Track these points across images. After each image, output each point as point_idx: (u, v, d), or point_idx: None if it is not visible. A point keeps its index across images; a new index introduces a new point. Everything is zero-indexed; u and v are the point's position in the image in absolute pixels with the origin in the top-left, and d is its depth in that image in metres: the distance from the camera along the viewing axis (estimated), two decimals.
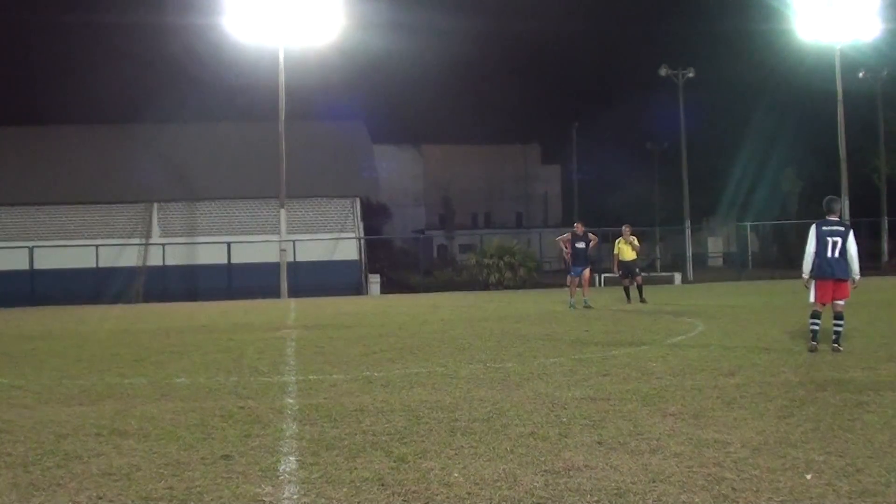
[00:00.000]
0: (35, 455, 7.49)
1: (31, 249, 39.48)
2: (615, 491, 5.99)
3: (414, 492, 6.11)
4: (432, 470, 6.63)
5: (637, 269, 26.69)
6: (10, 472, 6.95)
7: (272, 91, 39.08)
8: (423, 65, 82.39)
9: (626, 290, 26.52)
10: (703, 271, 54.19)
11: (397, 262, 51.05)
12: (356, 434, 7.93)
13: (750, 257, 54.82)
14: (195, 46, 50.32)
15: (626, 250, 26.43)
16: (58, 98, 58.31)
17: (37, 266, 39.31)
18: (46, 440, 8.08)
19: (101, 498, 6.19)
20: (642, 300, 25.72)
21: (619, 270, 26.96)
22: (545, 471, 6.52)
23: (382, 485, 6.28)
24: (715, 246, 70.61)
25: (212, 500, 6.10)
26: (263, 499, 6.10)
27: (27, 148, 42.63)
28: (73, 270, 38.83)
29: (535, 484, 6.20)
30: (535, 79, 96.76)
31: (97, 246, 39.63)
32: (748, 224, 55.68)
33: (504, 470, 6.57)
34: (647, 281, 35.95)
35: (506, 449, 7.22)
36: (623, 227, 27.03)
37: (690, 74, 52.63)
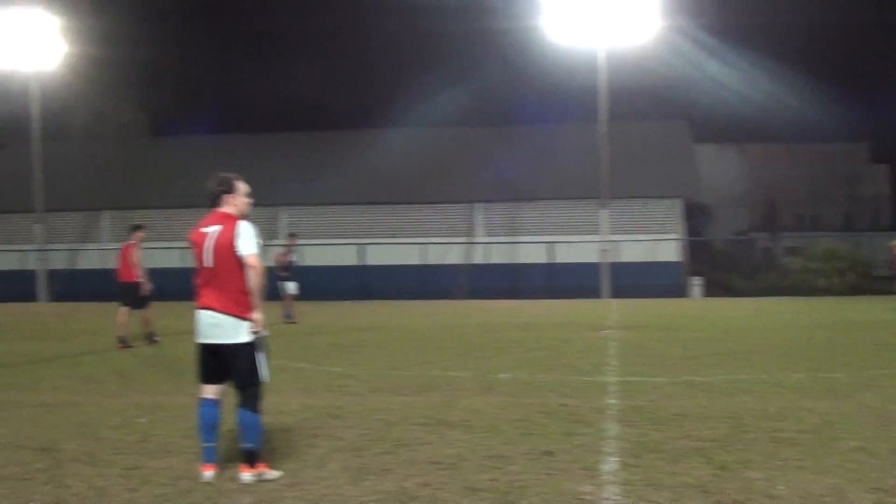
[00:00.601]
0: (365, 441, 7.88)
1: (362, 246, 41.46)
2: None
3: (737, 501, 5.98)
4: (756, 480, 6.46)
5: None
6: (342, 456, 7.35)
7: (592, 92, 39.14)
8: (744, 62, 79.94)
9: None
10: None
11: (719, 264, 49.67)
12: (678, 438, 7.84)
13: None
14: (515, 49, 51.14)
15: None
16: (387, 102, 60.87)
17: (367, 262, 41.23)
18: (376, 427, 8.48)
19: (427, 485, 6.43)
20: None
21: None
22: (875, 489, 6.22)
23: (704, 492, 6.18)
24: None
25: (534, 494, 6.20)
26: (584, 497, 6.14)
27: (360, 150, 44.72)
28: (401, 267, 40.42)
29: (864, 502, 5.92)
30: (863, 74, 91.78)
31: (424, 244, 41.07)
32: None
33: (831, 485, 6.31)
34: None
35: (834, 463, 6.93)
36: None
37: None
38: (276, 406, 9.15)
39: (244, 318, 6.76)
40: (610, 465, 6.93)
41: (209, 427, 6.80)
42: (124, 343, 16.66)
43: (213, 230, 6.91)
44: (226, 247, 6.81)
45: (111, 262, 43.53)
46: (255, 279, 6.80)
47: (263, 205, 40.29)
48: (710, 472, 6.68)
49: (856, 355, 14.19)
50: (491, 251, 41.06)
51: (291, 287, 23.64)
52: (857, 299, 34.45)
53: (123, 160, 47.75)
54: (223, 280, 6.80)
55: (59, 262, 42.76)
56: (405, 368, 12.91)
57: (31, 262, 41.71)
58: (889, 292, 29.62)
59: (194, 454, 7.47)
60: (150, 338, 17.32)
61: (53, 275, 41.72)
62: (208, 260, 6.85)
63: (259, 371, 6.82)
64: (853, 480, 6.42)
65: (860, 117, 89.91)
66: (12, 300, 38.65)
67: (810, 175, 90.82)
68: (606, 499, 6.09)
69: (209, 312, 6.81)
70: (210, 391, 6.90)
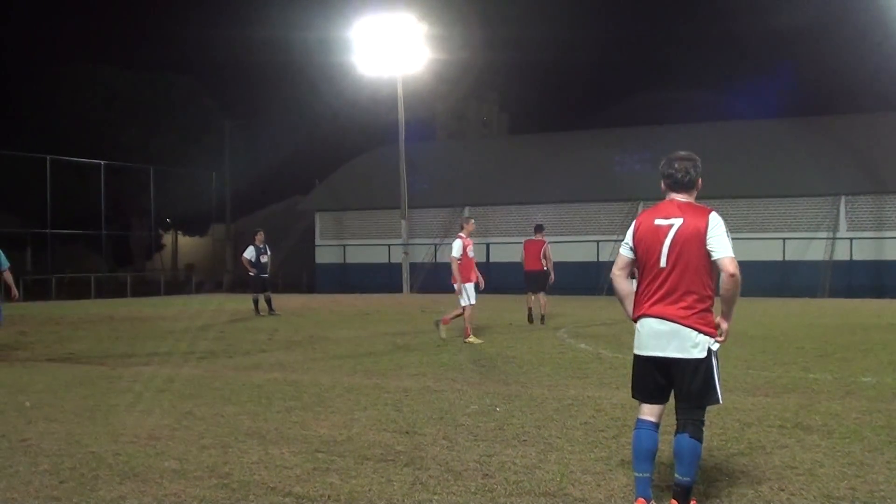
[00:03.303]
0: (720, 441, 7.79)
1: None
2: None
3: None
4: None
5: None
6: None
7: None
8: None
9: None
10: None
11: None
12: None
13: None
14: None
15: None
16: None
17: None
18: (731, 427, 8.34)
19: (782, 490, 6.28)
20: None
21: None
22: None
23: None
24: None
25: None
26: None
27: (720, 142, 43.86)
28: (759, 263, 39.28)
29: None
30: None
31: (784, 239, 39.76)
32: None
33: None
34: None
35: None
36: None
37: None
38: (621, 399, 9.20)
39: (704, 330, 5.72)
40: None
41: (646, 455, 5.81)
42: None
43: (673, 223, 5.82)
44: (691, 242, 5.73)
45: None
46: (731, 287, 5.69)
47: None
48: None
49: None
50: (855, 247, 39.10)
51: None
52: None
53: (482, 158, 49.43)
54: (682, 283, 5.75)
55: (421, 256, 44.94)
56: (762, 368, 12.60)
57: (397, 256, 44.16)
58: None
59: (548, 444, 7.69)
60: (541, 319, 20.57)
61: (416, 268, 43.93)
62: (664, 258, 5.81)
63: (716, 392, 5.81)
64: None
65: None
66: (380, 291, 41.11)
67: None
68: None
69: (660, 321, 5.78)
70: (649, 412, 5.93)
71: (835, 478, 6.55)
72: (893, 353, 14.58)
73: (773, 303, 30.48)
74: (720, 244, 5.70)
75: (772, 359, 13.76)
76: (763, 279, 37.45)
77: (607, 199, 42.93)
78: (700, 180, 6.02)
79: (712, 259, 5.71)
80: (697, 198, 6.03)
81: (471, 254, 16.97)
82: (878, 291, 36.36)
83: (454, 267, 16.82)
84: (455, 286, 16.93)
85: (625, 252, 6.08)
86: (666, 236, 5.80)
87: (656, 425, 5.89)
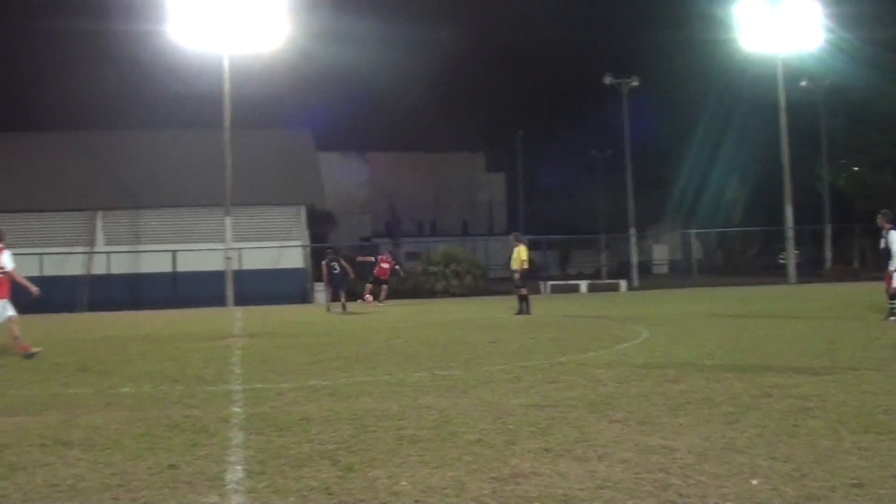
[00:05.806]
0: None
1: None
2: (562, 497, 6.01)
3: (361, 501, 6.10)
4: (379, 479, 6.62)
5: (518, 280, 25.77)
6: None
7: (217, 98, 38.90)
8: (369, 72, 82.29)
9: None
10: (649, 278, 54.63)
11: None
12: (303, 443, 7.90)
13: (694, 264, 55.47)
14: (140, 53, 49.88)
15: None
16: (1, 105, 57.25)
17: None
18: None
19: None
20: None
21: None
22: (492, 478, 6.53)
23: (329, 494, 6.26)
24: (660, 253, 71.30)
25: None
26: None
27: None
28: None
29: (483, 491, 6.21)
30: (481, 87, 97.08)
31: (41, 254, 39.08)
32: (693, 231, 56.26)
33: (451, 477, 6.58)
34: (594, 288, 37.11)
35: (453, 457, 7.23)
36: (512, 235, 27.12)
37: (635, 83, 53.28)
38: None
39: None
40: (235, 474, 6.86)
41: None
42: None
43: None
44: None
45: None
46: None
47: None
48: (336, 474, 6.78)
49: (473, 354, 14.93)
50: (112, 261, 39.72)
51: None
52: (475, 300, 36.40)
53: None
54: None
55: None
56: (22, 387, 12.22)
57: None
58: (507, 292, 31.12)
59: None
60: None
61: None
62: None
63: None
64: (472, 472, 6.72)
65: (477, 129, 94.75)
66: None
67: (430, 183, 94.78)
68: None
69: None
70: None
71: (98, 490, 6.53)
72: (151, 362, 15.00)
73: (31, 319, 29.78)
74: None
75: (31, 376, 13.41)
76: (22, 295, 36.47)
77: None
78: None
79: None
80: None
81: None
82: (136, 303, 37.28)
83: None
84: None
85: None
86: None
87: None
